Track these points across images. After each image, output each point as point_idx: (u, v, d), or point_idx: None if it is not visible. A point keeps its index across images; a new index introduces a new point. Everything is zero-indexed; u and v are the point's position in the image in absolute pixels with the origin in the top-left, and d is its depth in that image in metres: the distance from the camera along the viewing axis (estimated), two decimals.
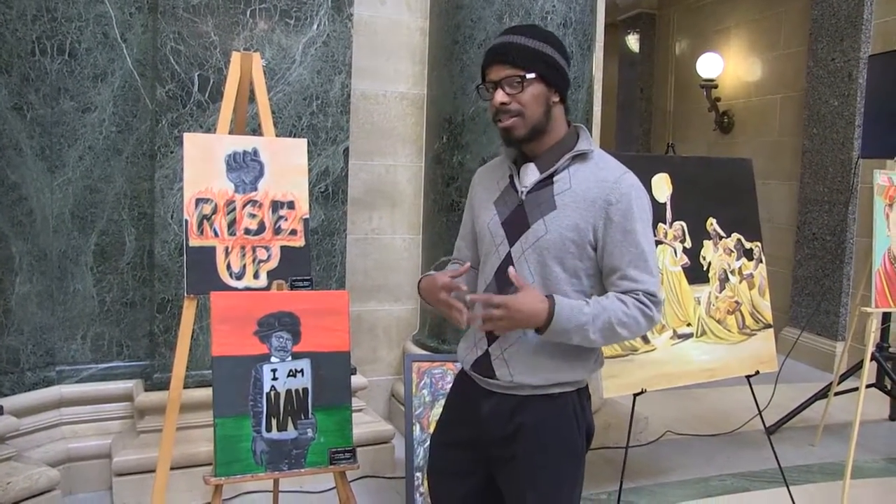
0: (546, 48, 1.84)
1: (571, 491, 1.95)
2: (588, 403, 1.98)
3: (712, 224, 3.40)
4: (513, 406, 1.89)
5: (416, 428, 3.12)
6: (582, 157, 1.88)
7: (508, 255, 1.88)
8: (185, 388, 2.72)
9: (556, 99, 1.88)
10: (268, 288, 2.52)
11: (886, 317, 4.43)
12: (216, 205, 2.48)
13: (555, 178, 1.86)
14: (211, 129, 3.17)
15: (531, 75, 1.81)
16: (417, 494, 3.06)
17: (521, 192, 1.89)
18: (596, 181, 1.84)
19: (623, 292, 1.82)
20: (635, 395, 3.11)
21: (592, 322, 1.77)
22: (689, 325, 3.29)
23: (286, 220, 2.57)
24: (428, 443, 2.95)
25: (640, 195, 1.86)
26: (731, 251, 3.44)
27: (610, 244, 1.82)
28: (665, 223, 3.27)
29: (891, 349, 4.47)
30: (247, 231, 2.51)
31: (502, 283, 1.87)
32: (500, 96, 1.83)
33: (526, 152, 1.91)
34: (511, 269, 1.81)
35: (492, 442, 1.93)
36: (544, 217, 1.84)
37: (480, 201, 2.01)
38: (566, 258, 1.84)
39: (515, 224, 1.88)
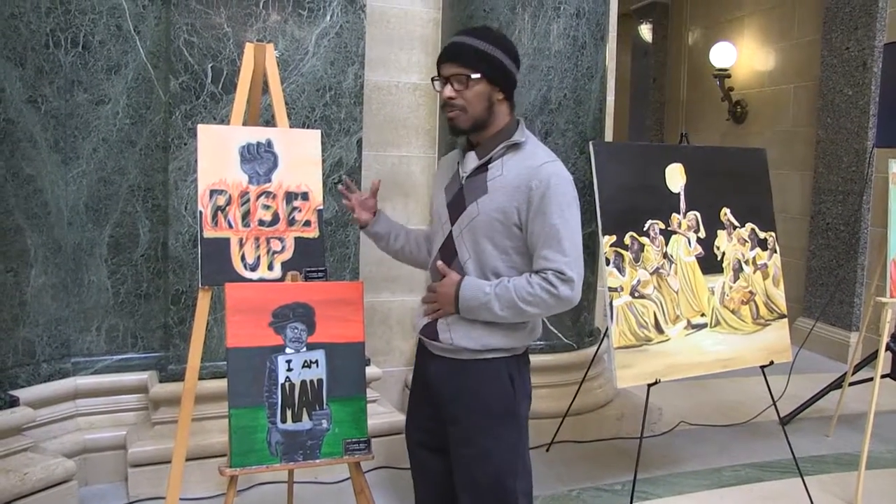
0: (494, 51, 2.03)
1: (511, 453, 2.11)
2: (526, 370, 2.19)
3: (726, 214, 3.39)
4: (454, 370, 2.11)
5: None
6: (515, 146, 2.08)
7: (450, 233, 2.12)
8: (199, 379, 2.73)
9: (500, 97, 2.07)
10: (282, 279, 2.52)
11: None
12: (230, 196, 2.48)
13: (489, 166, 2.08)
14: (224, 120, 3.18)
15: (476, 75, 2.01)
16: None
17: (462, 177, 2.12)
18: (521, 168, 2.04)
19: (537, 271, 2.01)
20: (649, 386, 3.11)
21: (496, 300, 1.99)
22: (703, 315, 3.28)
23: (300, 211, 2.57)
24: None
25: (560, 182, 2.02)
26: (746, 241, 3.43)
27: (530, 225, 2.02)
28: (679, 213, 3.26)
29: None
30: (261, 222, 2.51)
31: (445, 257, 2.13)
32: (447, 91, 2.04)
33: (472, 141, 2.13)
34: (439, 263, 2.11)
35: (440, 403, 2.15)
36: (477, 200, 2.06)
37: (437, 185, 2.24)
38: (495, 236, 2.05)
39: (456, 206, 2.11)
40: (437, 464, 2.24)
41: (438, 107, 4.09)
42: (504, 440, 2.11)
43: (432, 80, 2.12)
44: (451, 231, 2.11)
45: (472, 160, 2.10)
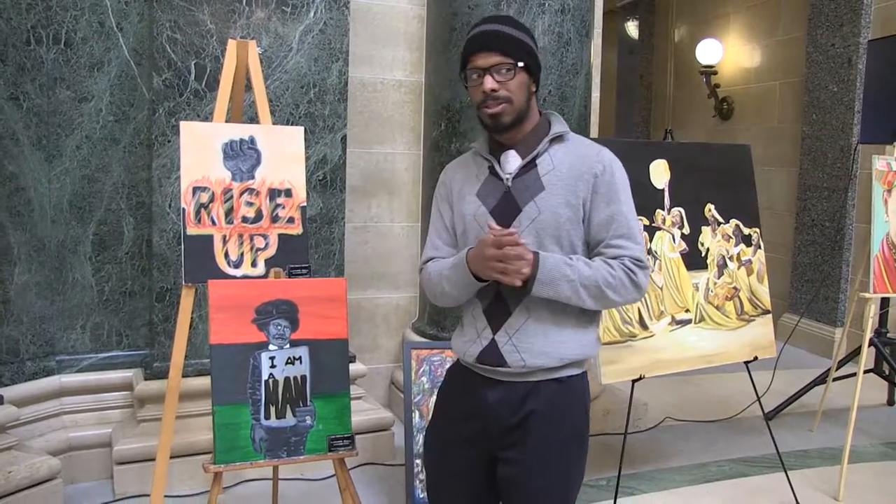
0: (528, 39, 1.91)
1: (578, 476, 1.98)
2: (588, 387, 2.01)
3: (710, 210, 3.40)
4: (523, 393, 1.89)
5: (416, 415, 3.14)
6: (559, 139, 1.95)
7: None
8: (184, 376, 2.73)
9: (534, 89, 1.94)
10: (266, 276, 2.52)
11: (885, 302, 4.43)
12: (213, 193, 2.48)
13: (537, 161, 1.91)
14: (208, 117, 3.17)
15: (521, 64, 1.86)
16: (417, 481, 3.08)
17: (507, 179, 1.92)
18: (578, 157, 1.91)
19: (612, 258, 1.88)
20: (634, 382, 3.12)
21: (578, 276, 1.82)
22: (687, 311, 3.29)
23: (283, 207, 2.56)
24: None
25: (620, 167, 1.94)
26: (730, 237, 3.44)
27: (595, 215, 1.89)
28: (663, 209, 3.27)
29: (889, 334, 4.48)
30: (244, 219, 2.51)
31: None
32: (490, 83, 1.85)
33: (503, 141, 1.95)
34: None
35: (497, 432, 1.92)
36: (535, 198, 1.88)
37: (459, 196, 2.01)
38: (561, 235, 1.88)
39: (506, 210, 1.91)
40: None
41: (423, 105, 4.09)
42: (576, 465, 1.97)
43: (461, 72, 1.93)
44: None
45: (513, 159, 1.93)
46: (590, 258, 1.91)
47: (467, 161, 2.06)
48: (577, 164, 1.89)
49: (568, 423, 1.93)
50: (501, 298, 1.90)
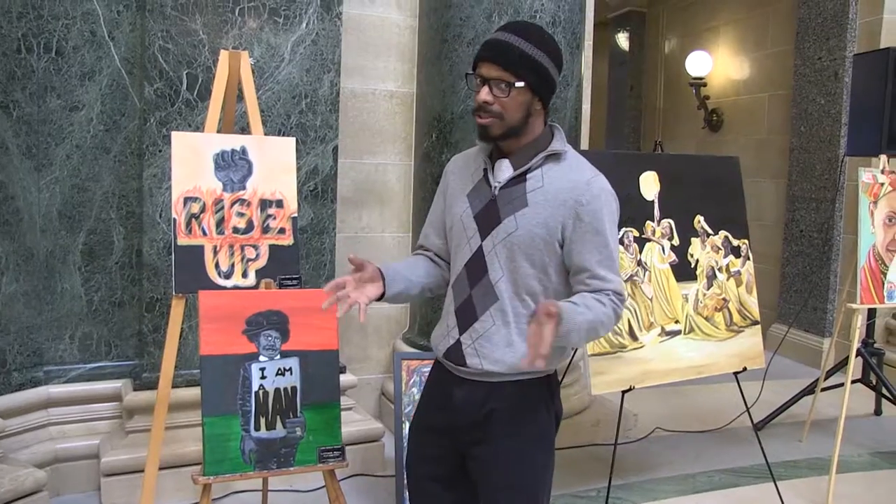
0: (542, 57, 1.84)
1: (543, 475, 1.98)
2: (557, 390, 2.02)
3: (700, 222, 3.42)
4: (484, 392, 1.92)
5: (406, 426, 3.13)
6: (555, 156, 1.91)
7: (480, 248, 1.90)
8: (173, 387, 2.72)
9: (539, 107, 1.89)
10: (256, 287, 2.51)
11: (871, 313, 4.46)
12: (204, 203, 2.48)
13: (528, 176, 1.89)
14: (199, 127, 3.16)
15: (520, 84, 1.82)
16: (407, 492, 3.07)
17: (495, 188, 1.91)
18: (567, 181, 1.87)
19: (592, 291, 1.85)
20: (623, 393, 3.12)
21: (585, 321, 1.77)
22: (677, 322, 3.30)
23: (274, 218, 2.56)
24: None
25: (610, 198, 1.90)
26: (719, 248, 3.46)
27: (579, 244, 1.86)
28: (653, 221, 3.28)
29: (876, 345, 4.51)
30: (235, 230, 2.51)
31: (473, 274, 1.92)
32: (484, 94, 1.83)
33: (501, 148, 1.92)
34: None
35: (463, 428, 1.95)
36: (515, 214, 1.87)
37: (454, 191, 2.01)
38: (534, 254, 1.86)
39: (487, 218, 1.90)
40: (447, 497, 2.04)
41: (415, 116, 4.10)
42: (542, 464, 1.97)
43: (466, 75, 1.91)
44: (480, 246, 1.90)
45: (505, 169, 1.90)
46: (569, 281, 1.91)
47: (470, 157, 2.05)
48: (565, 188, 1.86)
49: (530, 423, 1.94)
50: (471, 302, 1.91)
